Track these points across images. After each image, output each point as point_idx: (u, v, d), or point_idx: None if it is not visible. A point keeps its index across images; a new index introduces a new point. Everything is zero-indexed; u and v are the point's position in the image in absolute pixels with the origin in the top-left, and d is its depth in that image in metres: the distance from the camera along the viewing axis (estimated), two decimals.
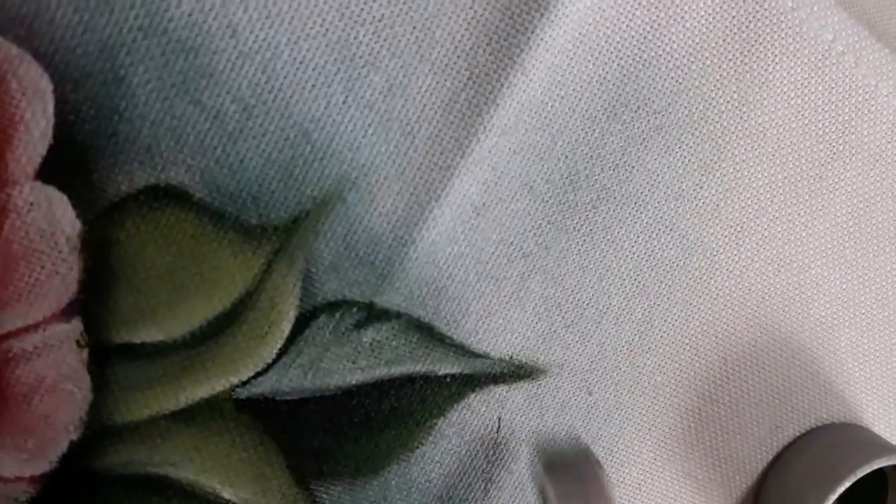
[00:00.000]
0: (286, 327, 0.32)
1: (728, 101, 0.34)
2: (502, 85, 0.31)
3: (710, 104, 0.34)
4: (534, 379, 0.35)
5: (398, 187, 0.32)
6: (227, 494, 0.32)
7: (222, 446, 0.32)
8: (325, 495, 0.34)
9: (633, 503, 0.38)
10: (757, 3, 0.33)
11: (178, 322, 0.31)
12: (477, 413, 0.35)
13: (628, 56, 0.33)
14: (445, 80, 0.31)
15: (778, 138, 0.35)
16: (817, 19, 0.34)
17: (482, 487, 0.35)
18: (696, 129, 0.34)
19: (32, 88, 0.28)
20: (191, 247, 0.30)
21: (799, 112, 0.35)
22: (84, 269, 0.29)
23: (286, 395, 0.32)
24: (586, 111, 0.33)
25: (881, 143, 0.36)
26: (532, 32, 0.31)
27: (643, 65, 0.33)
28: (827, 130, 0.36)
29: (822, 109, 0.35)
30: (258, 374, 0.32)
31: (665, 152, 0.34)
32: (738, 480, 0.39)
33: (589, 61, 0.33)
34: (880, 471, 0.37)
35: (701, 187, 0.35)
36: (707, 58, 0.34)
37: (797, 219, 0.37)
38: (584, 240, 0.35)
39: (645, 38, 0.33)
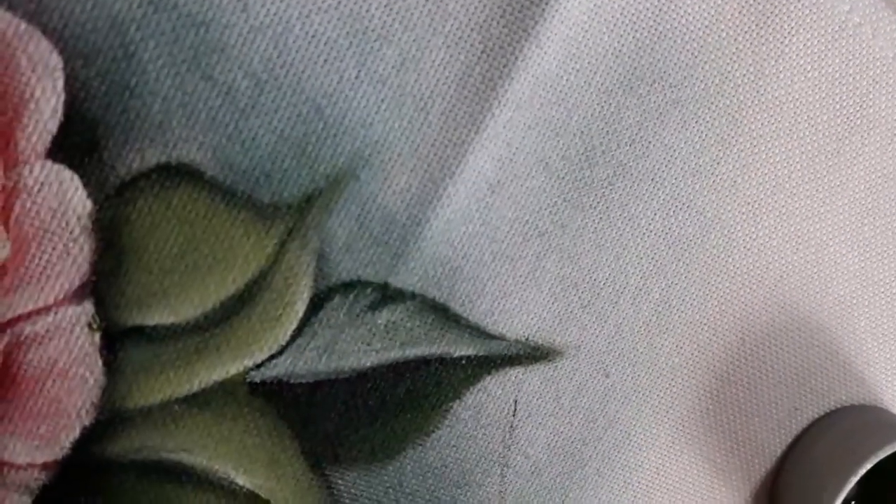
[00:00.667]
0: (300, 308, 0.32)
1: (744, 75, 0.34)
2: (517, 58, 0.31)
3: (726, 77, 0.34)
4: (550, 361, 0.35)
5: (412, 164, 0.31)
6: (240, 480, 0.32)
7: (236, 431, 0.32)
8: (339, 481, 0.33)
9: (651, 487, 0.37)
10: None
11: (191, 303, 0.31)
12: (493, 396, 0.34)
13: (644, 28, 0.32)
14: (459, 54, 0.31)
15: (795, 112, 0.35)
16: None
17: (498, 472, 0.35)
18: (712, 102, 0.34)
19: (42, 65, 0.27)
20: (203, 226, 0.30)
21: (816, 85, 0.35)
22: (95, 250, 0.29)
23: (301, 378, 0.32)
24: (602, 85, 0.33)
25: None
26: (546, 4, 0.31)
27: (659, 37, 0.33)
28: (844, 104, 0.35)
29: (839, 82, 0.35)
30: (272, 357, 0.32)
31: (682, 127, 0.34)
32: (757, 463, 0.38)
33: (604, 33, 0.32)
34: None
35: (718, 163, 0.35)
36: (723, 30, 0.33)
37: (815, 195, 0.36)
38: (601, 217, 0.34)
39: (660, 9, 0.32)
